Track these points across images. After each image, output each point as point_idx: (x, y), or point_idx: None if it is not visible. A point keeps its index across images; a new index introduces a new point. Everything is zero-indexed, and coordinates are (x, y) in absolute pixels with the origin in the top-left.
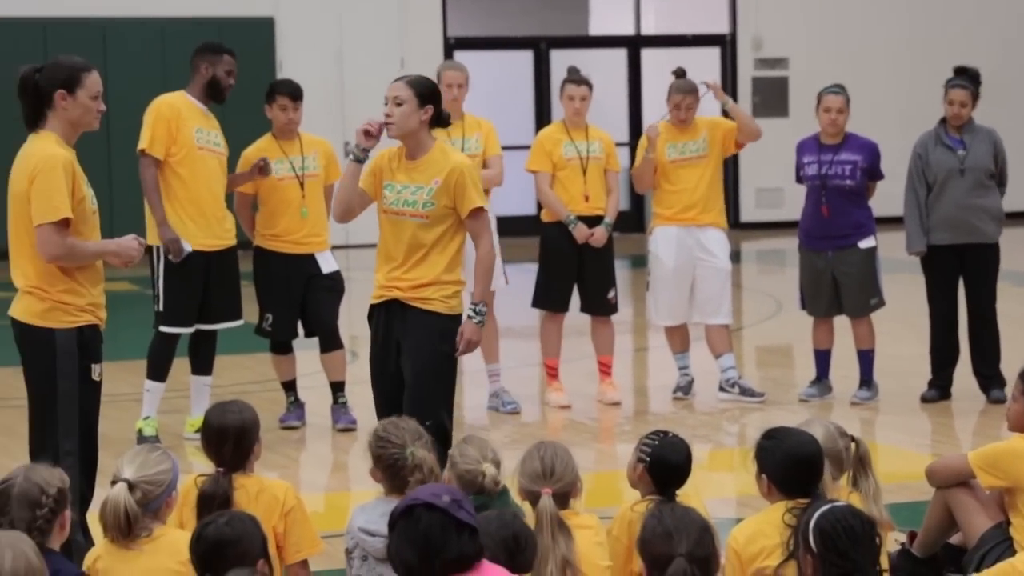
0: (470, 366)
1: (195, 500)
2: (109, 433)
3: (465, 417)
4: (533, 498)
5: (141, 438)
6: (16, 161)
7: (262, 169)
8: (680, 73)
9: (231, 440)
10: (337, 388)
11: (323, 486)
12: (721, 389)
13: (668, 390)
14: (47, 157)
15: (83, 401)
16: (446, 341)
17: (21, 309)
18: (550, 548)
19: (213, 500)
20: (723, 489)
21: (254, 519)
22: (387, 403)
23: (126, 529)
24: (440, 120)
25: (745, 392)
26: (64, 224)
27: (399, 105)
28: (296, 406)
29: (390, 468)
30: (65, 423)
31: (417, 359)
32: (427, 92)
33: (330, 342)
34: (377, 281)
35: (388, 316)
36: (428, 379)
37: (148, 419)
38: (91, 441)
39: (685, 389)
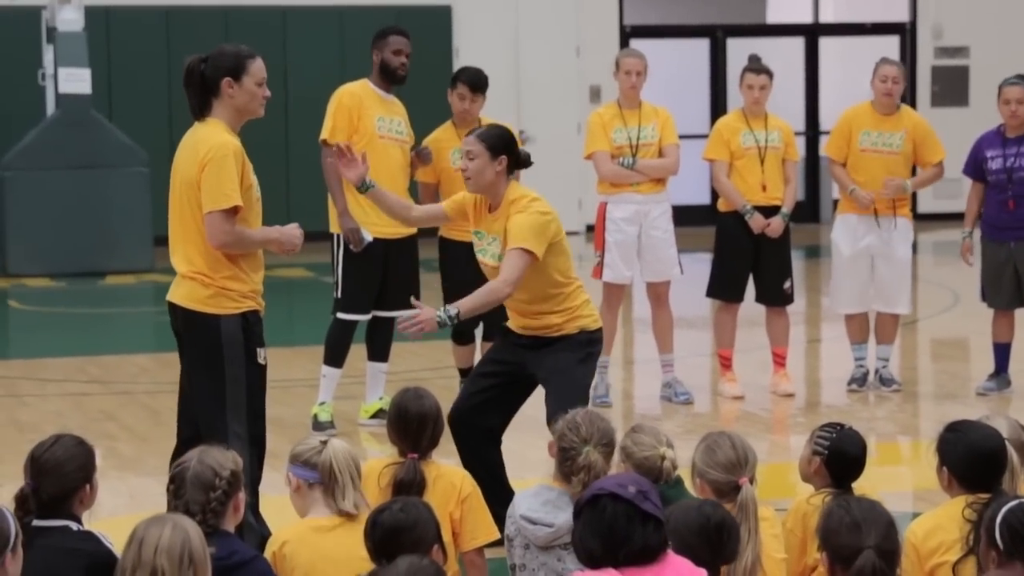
0: (643, 355)
1: (380, 486)
2: (284, 418)
3: (636, 407)
4: (727, 488)
5: (316, 423)
6: (183, 148)
7: (420, 156)
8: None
9: (431, 426)
10: None
11: None
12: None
13: (842, 382)
14: (219, 145)
15: (250, 385)
16: (582, 352)
17: (183, 294)
18: (748, 540)
19: (411, 487)
20: (897, 483)
21: (427, 506)
22: (475, 390)
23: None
24: (519, 163)
25: (884, 382)
26: (234, 212)
27: (472, 160)
28: None
29: (562, 452)
30: (234, 407)
31: (557, 374)
32: (499, 143)
33: (495, 330)
34: (511, 322)
35: (523, 338)
36: (570, 391)
37: (323, 404)
38: (259, 424)
39: (860, 381)
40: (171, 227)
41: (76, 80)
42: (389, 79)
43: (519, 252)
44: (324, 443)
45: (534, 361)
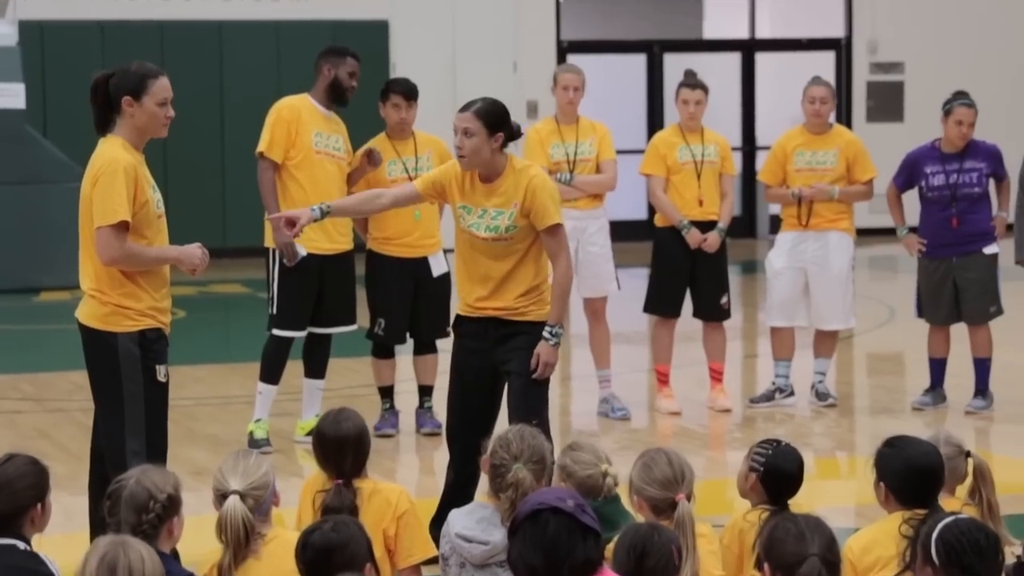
0: (580, 371)
1: (314, 507)
2: (220, 435)
3: (573, 423)
4: (664, 505)
5: (252, 441)
6: (87, 166)
7: (370, 158)
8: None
9: (351, 450)
10: (425, 392)
11: (414, 491)
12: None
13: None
14: (109, 161)
15: (149, 402)
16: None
17: (85, 313)
18: (686, 557)
19: (339, 513)
20: (836, 498)
21: (359, 524)
22: (463, 408)
23: (245, 540)
24: (513, 136)
25: (819, 396)
26: (122, 227)
27: (468, 136)
28: (391, 413)
29: (493, 468)
30: (132, 425)
31: (522, 362)
32: (496, 120)
33: (426, 345)
34: (465, 299)
35: (480, 327)
36: (533, 382)
37: (259, 422)
38: (160, 441)
39: (760, 398)
40: (80, 245)
41: (10, 95)
42: (336, 98)
43: (557, 228)
44: (224, 497)
45: (503, 355)
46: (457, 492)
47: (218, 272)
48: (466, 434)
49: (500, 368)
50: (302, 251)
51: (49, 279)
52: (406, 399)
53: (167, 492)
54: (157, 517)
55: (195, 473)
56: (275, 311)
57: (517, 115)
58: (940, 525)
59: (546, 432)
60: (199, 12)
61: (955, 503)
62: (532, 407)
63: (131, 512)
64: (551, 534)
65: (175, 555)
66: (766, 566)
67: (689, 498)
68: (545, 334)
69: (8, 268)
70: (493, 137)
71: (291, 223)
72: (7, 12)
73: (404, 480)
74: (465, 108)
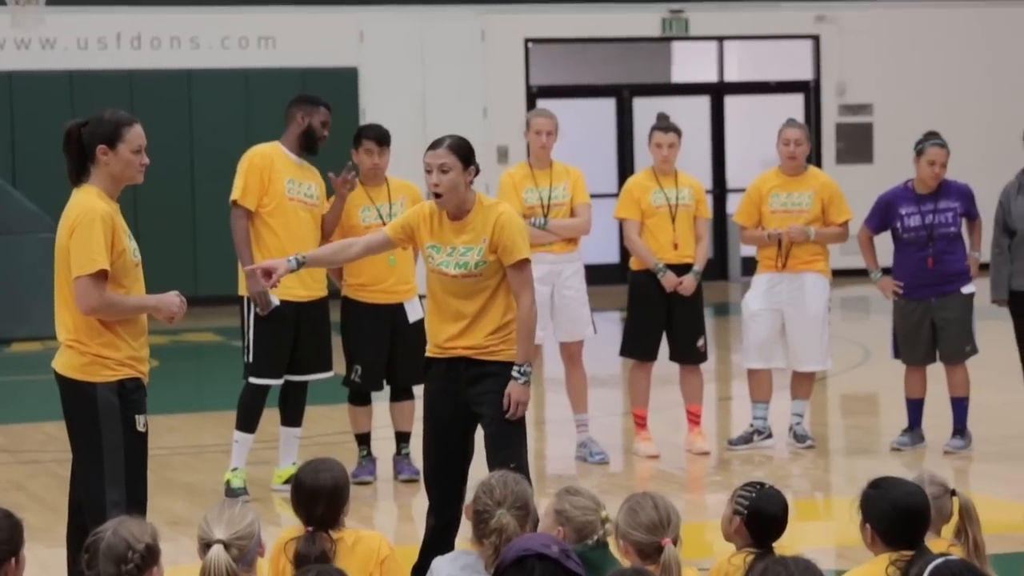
0: (557, 415)
1: (287, 557)
2: (196, 485)
3: (550, 467)
4: (650, 549)
5: (229, 490)
6: (62, 216)
7: (347, 178)
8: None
9: (324, 500)
10: (402, 438)
11: (393, 538)
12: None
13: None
14: (86, 210)
15: (128, 452)
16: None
17: (63, 363)
18: None
19: (308, 560)
20: (817, 540)
21: (342, 572)
22: (439, 452)
23: None
24: (477, 171)
25: (798, 438)
26: (101, 276)
27: (445, 172)
28: (368, 460)
29: (477, 514)
30: (111, 475)
31: (494, 405)
32: (468, 153)
33: (403, 391)
34: (434, 340)
35: (450, 368)
36: (507, 424)
37: (236, 470)
38: (140, 491)
39: (738, 440)
40: (55, 295)
41: None
42: (308, 146)
43: (524, 263)
44: (208, 546)
45: (475, 397)
46: (438, 538)
47: (190, 321)
48: (444, 478)
49: (473, 410)
50: (275, 300)
51: (21, 330)
52: (383, 446)
53: (145, 542)
54: (136, 568)
55: (172, 523)
56: (251, 359)
57: (487, 160)
58: (930, 567)
59: (525, 475)
60: (168, 61)
61: (941, 543)
62: (510, 450)
63: (110, 564)
64: None
65: None
66: None
67: (675, 542)
68: (514, 373)
69: None
70: (467, 171)
71: (268, 274)
72: None
73: (382, 527)
74: (436, 145)
